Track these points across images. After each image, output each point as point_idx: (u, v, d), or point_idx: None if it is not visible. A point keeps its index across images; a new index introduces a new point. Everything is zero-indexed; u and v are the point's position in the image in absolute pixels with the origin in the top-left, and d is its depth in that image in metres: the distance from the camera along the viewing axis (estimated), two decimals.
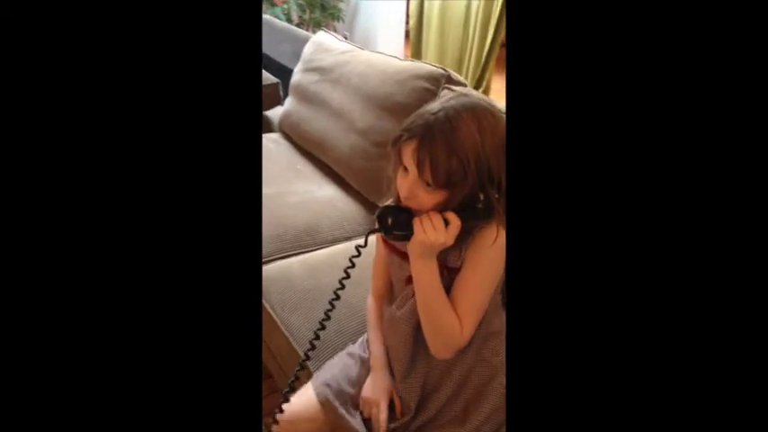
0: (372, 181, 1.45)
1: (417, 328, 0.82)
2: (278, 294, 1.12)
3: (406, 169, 0.74)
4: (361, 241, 0.77)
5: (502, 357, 0.83)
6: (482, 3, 2.59)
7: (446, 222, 0.71)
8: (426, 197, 0.72)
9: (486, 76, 2.62)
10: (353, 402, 0.85)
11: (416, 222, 0.72)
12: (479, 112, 0.70)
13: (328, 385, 0.85)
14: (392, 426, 0.83)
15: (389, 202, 0.82)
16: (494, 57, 2.59)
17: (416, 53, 3.08)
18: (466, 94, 0.78)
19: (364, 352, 0.92)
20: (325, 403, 0.83)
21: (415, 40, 3.09)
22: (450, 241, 0.71)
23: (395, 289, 0.88)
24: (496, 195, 0.71)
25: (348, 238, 1.37)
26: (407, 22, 3.13)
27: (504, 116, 0.73)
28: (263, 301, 1.12)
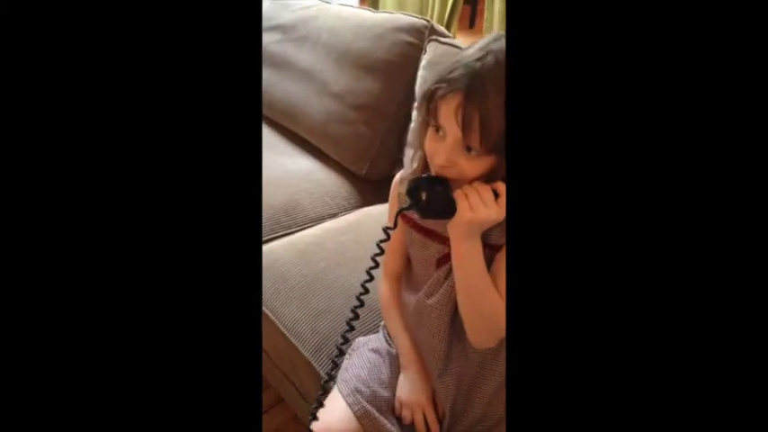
0: (354, 149, 1.31)
1: (453, 317, 0.71)
2: (269, 283, 0.97)
3: (438, 130, 0.61)
4: (378, 226, 0.64)
5: None
6: None
7: (495, 195, 0.59)
8: (469, 165, 0.59)
9: (451, 33, 2.49)
10: (389, 406, 0.73)
11: (460, 197, 0.59)
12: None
13: (359, 392, 0.72)
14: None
15: (412, 171, 0.69)
16: (457, 14, 2.46)
17: (373, 7, 2.90)
18: (500, 34, 0.65)
19: (391, 346, 0.80)
20: (362, 416, 0.70)
21: None
22: (502, 216, 0.59)
23: (417, 272, 0.76)
24: None
25: (333, 215, 1.23)
26: None
27: None
28: None
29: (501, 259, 0.65)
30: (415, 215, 0.68)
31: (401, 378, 0.75)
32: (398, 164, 1.28)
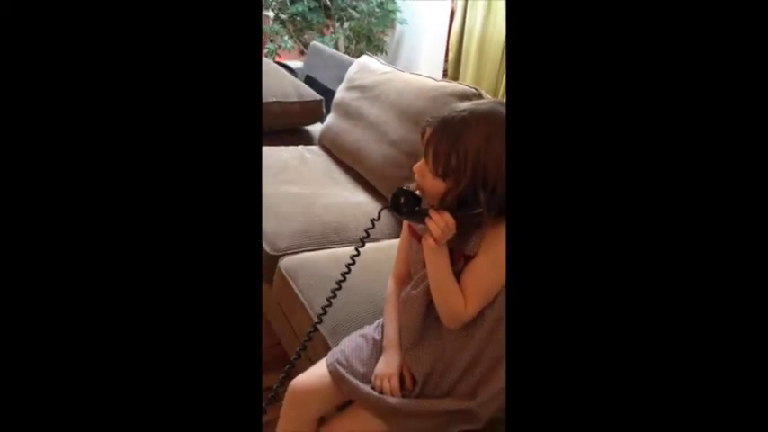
0: (398, 186, 1.54)
1: (429, 306, 0.88)
2: (305, 279, 1.20)
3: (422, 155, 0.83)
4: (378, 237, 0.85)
5: None
6: None
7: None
8: (429, 182, 0.81)
9: None
10: (364, 380, 0.91)
11: (429, 223, 0.79)
12: (493, 121, 0.77)
13: (339, 362, 0.91)
14: (404, 395, 0.88)
15: (412, 186, 0.90)
16: None
17: (454, 80, 3.22)
18: (496, 102, 0.86)
19: (378, 334, 0.98)
20: (334, 373, 0.89)
21: (452, 73, 3.22)
22: (441, 238, 0.79)
23: (412, 272, 0.95)
24: (485, 198, 0.77)
25: (374, 240, 1.45)
26: (446, 58, 3.27)
27: None
28: (292, 285, 1.20)
29: (470, 267, 0.83)
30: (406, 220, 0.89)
31: (381, 358, 0.93)
32: None
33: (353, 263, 0.86)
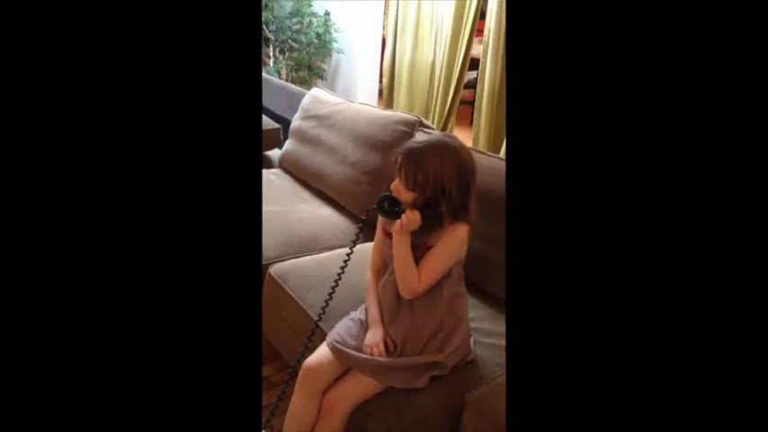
0: (361, 201, 1.84)
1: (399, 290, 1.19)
2: (295, 280, 1.47)
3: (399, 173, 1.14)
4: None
5: (464, 312, 1.21)
6: (444, 67, 3.04)
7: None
8: (403, 194, 1.13)
9: (449, 128, 3.10)
10: (357, 350, 1.19)
11: (404, 216, 1.11)
12: (445, 149, 1.12)
13: (336, 341, 1.19)
14: (389, 356, 1.17)
15: (388, 192, 1.21)
16: (454, 112, 3.07)
17: (389, 107, 3.56)
18: (446, 136, 1.21)
19: (363, 316, 1.27)
20: (334, 349, 1.17)
21: (387, 96, 3.57)
22: (406, 229, 1.11)
23: (387, 263, 1.25)
24: (444, 201, 1.10)
25: (344, 246, 1.74)
26: (381, 81, 3.62)
27: (465, 151, 1.14)
28: (283, 286, 1.47)
29: (428, 254, 1.15)
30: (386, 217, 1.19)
31: (368, 333, 1.22)
32: None
33: (346, 265, 1.15)
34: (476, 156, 1.23)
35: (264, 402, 1.50)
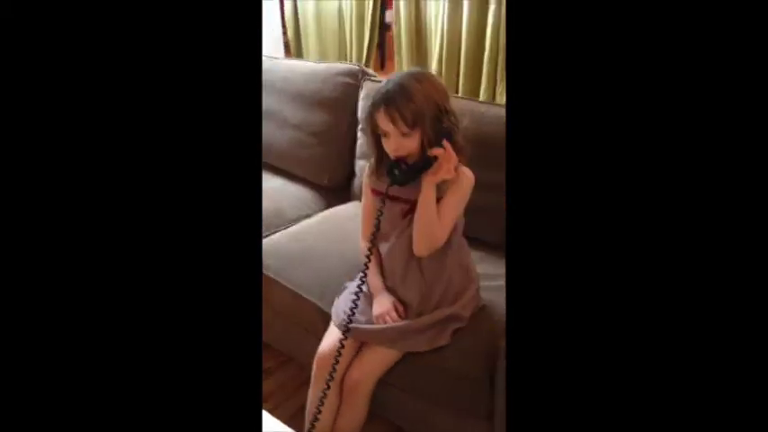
0: (315, 166, 1.72)
1: (409, 252, 1.12)
2: (276, 260, 1.35)
3: (385, 135, 1.04)
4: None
5: (469, 260, 1.19)
6: (354, 9, 2.87)
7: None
8: (408, 142, 1.03)
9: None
10: (368, 323, 1.13)
11: (441, 155, 1.01)
12: (418, 76, 1.04)
13: (344, 319, 1.11)
14: (404, 319, 1.12)
15: (374, 164, 1.12)
16: (372, 56, 2.94)
17: (298, 56, 3.34)
18: (409, 71, 1.11)
19: (364, 287, 1.18)
20: (344, 327, 1.09)
21: (295, 49, 3.34)
22: (452, 174, 1.03)
23: (385, 228, 1.14)
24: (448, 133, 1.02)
25: (308, 215, 1.63)
26: (285, 33, 3.37)
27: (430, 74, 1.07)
28: (265, 272, 1.34)
29: (441, 205, 1.07)
30: (386, 187, 1.09)
31: (374, 303, 1.15)
32: (352, 173, 1.71)
33: (367, 267, 1.08)
34: None
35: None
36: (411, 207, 1.10)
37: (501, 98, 1.77)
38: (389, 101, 1.00)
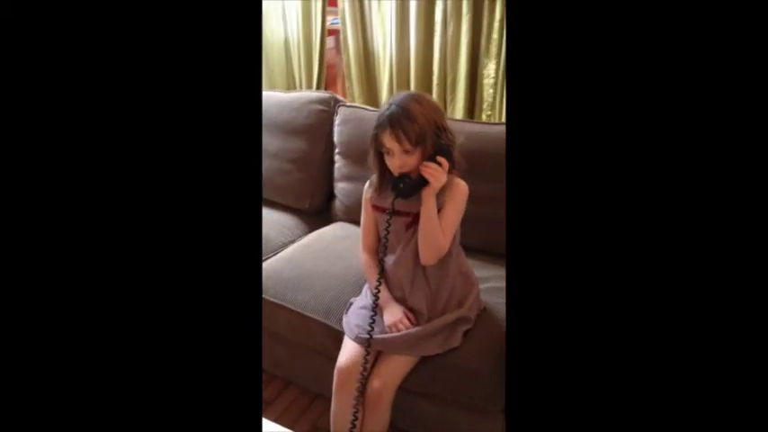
0: (294, 192, 1.76)
1: (415, 262, 1.19)
2: (276, 286, 1.37)
3: (389, 153, 1.12)
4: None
5: (467, 265, 1.27)
6: (301, 41, 2.91)
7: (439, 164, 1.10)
8: (410, 159, 1.11)
9: None
10: (382, 333, 1.17)
11: (428, 175, 1.09)
12: (418, 98, 1.13)
13: (358, 332, 1.16)
14: (416, 326, 1.18)
15: (376, 180, 1.18)
16: (323, 84, 3.00)
17: None
18: (403, 93, 1.19)
19: (371, 300, 1.22)
20: (360, 340, 1.14)
21: None
22: (444, 178, 1.10)
23: (391, 240, 1.20)
24: (448, 145, 1.11)
25: (292, 241, 1.65)
26: None
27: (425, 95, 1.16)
28: (265, 296, 1.36)
29: (441, 215, 1.15)
30: (391, 201, 1.15)
31: (384, 314, 1.20)
32: (332, 196, 1.75)
33: (379, 291, 1.14)
34: None
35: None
36: (413, 219, 1.17)
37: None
38: (394, 122, 1.08)
